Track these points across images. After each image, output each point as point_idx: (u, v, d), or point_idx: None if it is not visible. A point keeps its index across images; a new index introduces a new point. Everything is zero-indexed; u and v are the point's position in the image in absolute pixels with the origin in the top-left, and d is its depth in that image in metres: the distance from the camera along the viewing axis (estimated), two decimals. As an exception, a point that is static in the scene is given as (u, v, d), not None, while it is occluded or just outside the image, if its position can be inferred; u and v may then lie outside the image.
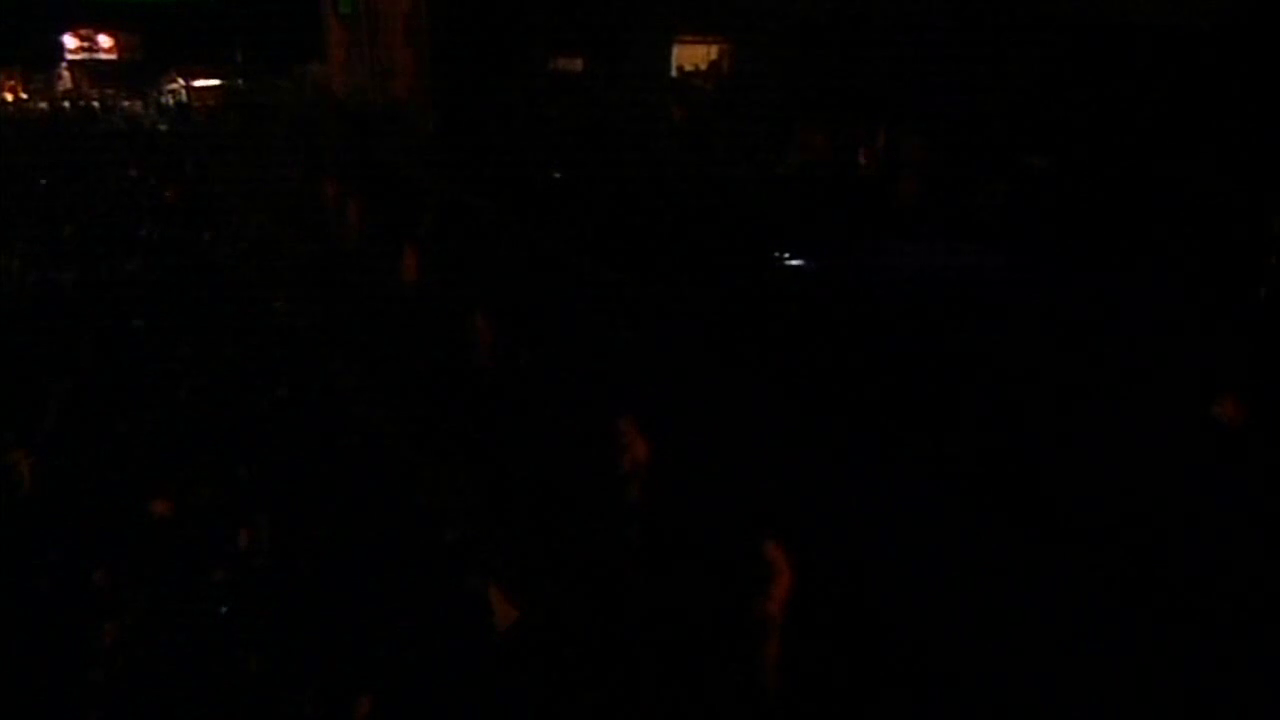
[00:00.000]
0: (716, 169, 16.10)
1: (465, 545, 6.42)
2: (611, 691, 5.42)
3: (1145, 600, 5.60)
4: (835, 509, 6.56)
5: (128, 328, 10.06)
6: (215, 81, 33.39)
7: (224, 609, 5.62)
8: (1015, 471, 6.90)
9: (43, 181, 18.26)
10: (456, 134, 20.06)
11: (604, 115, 19.62)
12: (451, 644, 5.39)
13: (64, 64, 35.25)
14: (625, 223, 13.54)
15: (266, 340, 10.00)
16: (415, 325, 10.61)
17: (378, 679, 5.02)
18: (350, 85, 27.33)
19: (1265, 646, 5.16)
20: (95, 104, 32.55)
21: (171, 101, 32.81)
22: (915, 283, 10.99)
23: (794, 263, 12.21)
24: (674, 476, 6.63)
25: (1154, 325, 9.20)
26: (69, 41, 35.04)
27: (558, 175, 17.27)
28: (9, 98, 33.51)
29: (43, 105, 32.95)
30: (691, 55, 22.92)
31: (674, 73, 22.62)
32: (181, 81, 33.59)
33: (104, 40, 35.32)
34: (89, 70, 35.37)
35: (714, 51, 22.57)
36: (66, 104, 33.00)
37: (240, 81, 32.78)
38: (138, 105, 31.96)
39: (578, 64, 22.38)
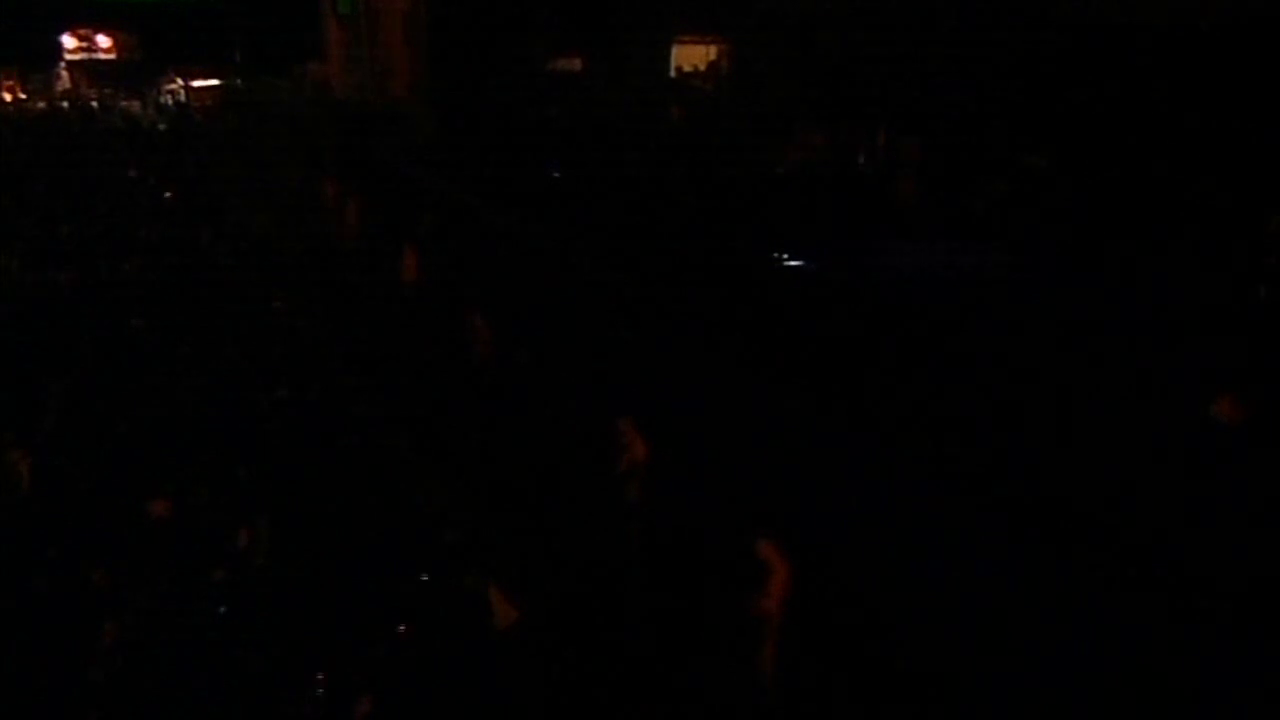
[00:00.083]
0: (715, 169, 16.10)
1: (465, 545, 6.43)
2: (611, 691, 5.42)
3: (1144, 600, 5.60)
4: (833, 509, 6.56)
5: (127, 327, 10.06)
6: (214, 81, 33.41)
7: (223, 609, 5.62)
8: (1014, 471, 6.90)
9: (41, 181, 18.26)
10: (455, 133, 20.06)
11: (603, 115, 19.62)
12: (451, 644, 5.39)
13: (62, 64, 35.27)
14: (624, 222, 13.54)
15: (266, 340, 10.00)
16: (415, 325, 10.61)
17: (377, 679, 5.03)
18: (349, 85, 27.33)
19: (1265, 647, 5.16)
20: (94, 104, 32.56)
21: (170, 101, 32.84)
22: (914, 283, 10.99)
23: (793, 263, 12.21)
24: (673, 476, 6.64)
25: (1153, 325, 9.20)
26: (67, 41, 35.06)
27: (556, 175, 17.28)
28: (7, 98, 33.53)
29: (41, 105, 32.96)
30: (691, 56, 22.93)
31: (673, 73, 22.64)
32: (180, 81, 33.62)
33: (102, 40, 35.35)
34: (87, 70, 35.39)
35: (713, 52, 22.59)
36: (65, 104, 33.00)
37: (239, 81, 32.79)
38: (136, 105, 31.95)
39: (576, 64, 22.40)
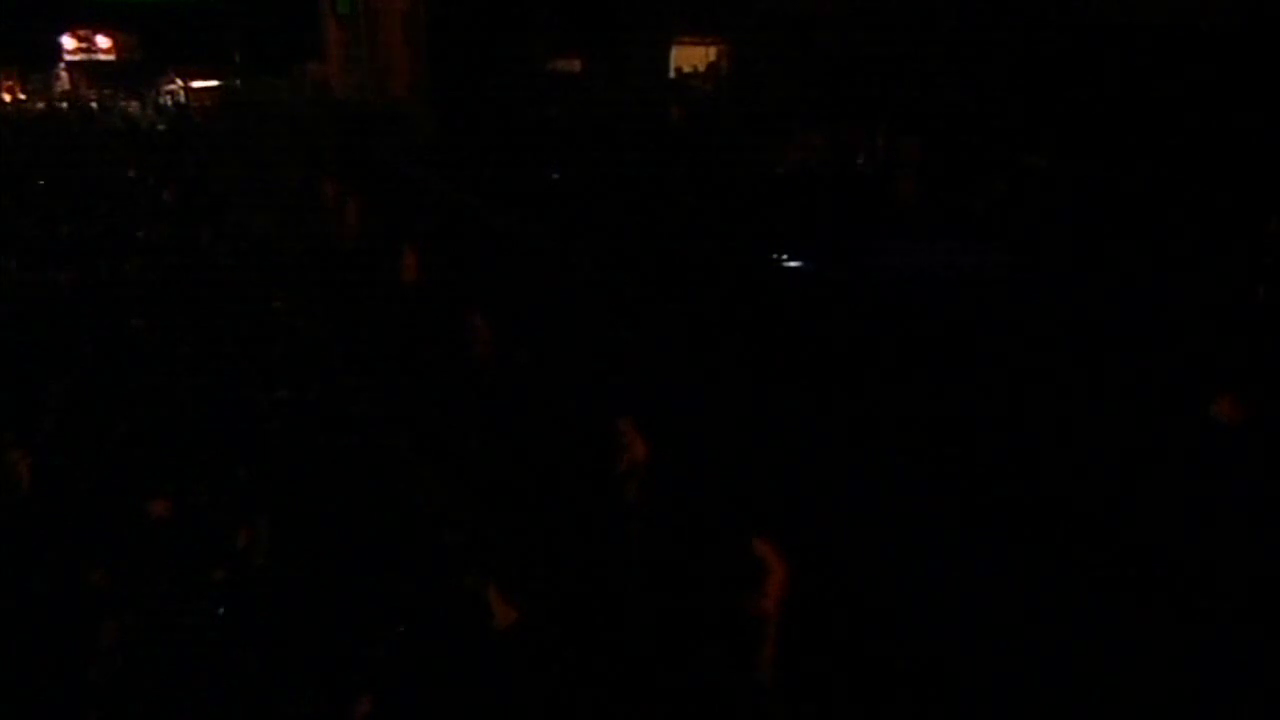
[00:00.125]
0: (715, 169, 16.10)
1: (464, 546, 6.43)
2: (611, 691, 5.42)
3: (1143, 600, 5.60)
4: (832, 509, 6.56)
5: (127, 328, 10.06)
6: (213, 82, 33.42)
7: (223, 609, 5.62)
8: (1013, 470, 6.90)
9: (40, 181, 18.26)
10: (455, 134, 20.06)
11: (602, 116, 19.63)
12: (450, 644, 5.39)
13: (62, 64, 35.28)
14: (624, 223, 13.54)
15: (266, 340, 10.00)
16: (414, 325, 10.60)
17: (377, 679, 5.02)
18: (349, 85, 27.34)
19: (1265, 647, 5.16)
20: (93, 104, 32.56)
21: (169, 102, 32.85)
22: (914, 283, 10.99)
23: (792, 263, 12.21)
24: (672, 476, 6.64)
25: (1153, 324, 9.21)
26: (67, 42, 35.08)
27: (556, 176, 17.28)
28: (7, 98, 33.55)
29: (40, 105, 32.97)
30: (690, 56, 22.96)
31: (672, 74, 22.65)
32: (179, 82, 33.63)
33: (102, 41, 35.36)
34: (87, 70, 35.41)
35: (712, 52, 22.61)
36: (64, 104, 33.01)
37: (238, 82, 32.80)
38: (135, 106, 31.95)
39: (576, 65, 22.41)
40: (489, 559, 6.15)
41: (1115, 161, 12.42)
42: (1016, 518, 6.42)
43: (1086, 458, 6.97)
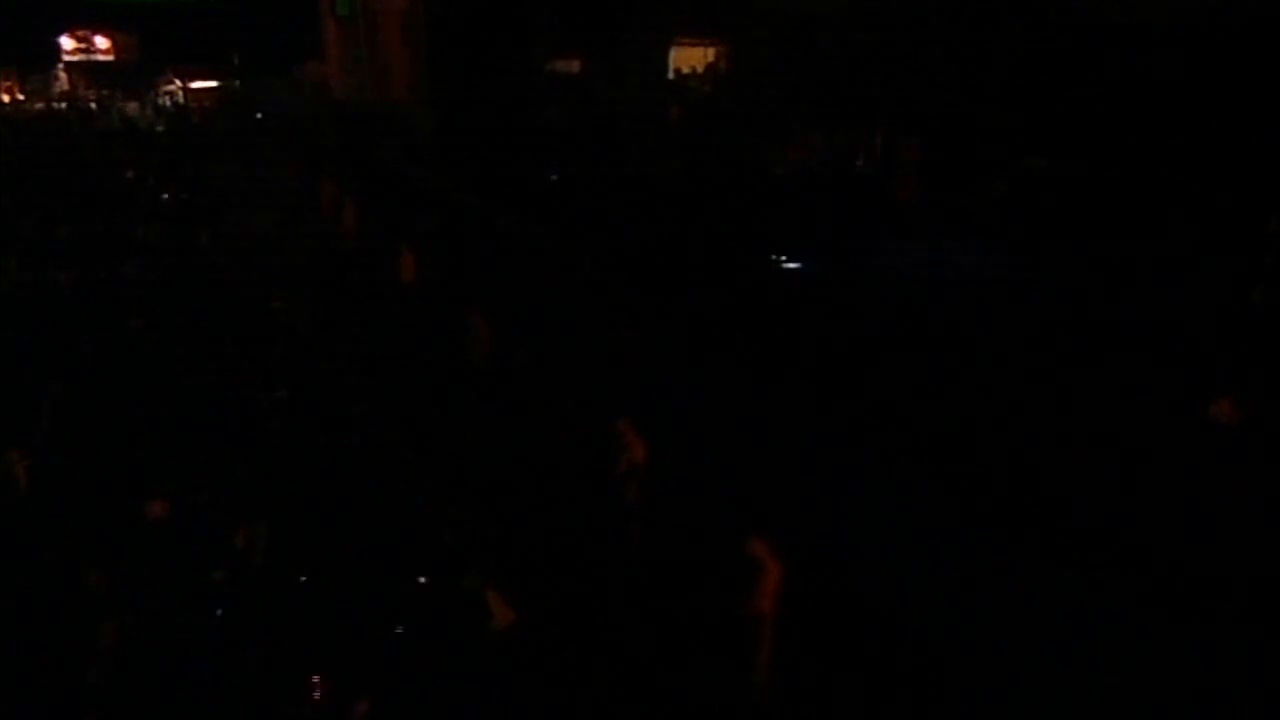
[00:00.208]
0: (713, 170, 16.11)
1: (463, 546, 6.42)
2: (610, 692, 5.42)
3: (1142, 599, 5.60)
4: (830, 508, 6.56)
5: (125, 328, 10.04)
6: (212, 83, 33.41)
7: (222, 609, 5.61)
8: (1013, 469, 6.90)
9: (39, 182, 18.24)
10: (454, 134, 20.05)
11: (601, 116, 19.63)
12: (449, 645, 5.38)
13: (61, 65, 35.23)
14: (623, 223, 13.54)
15: (264, 340, 9.99)
16: (413, 325, 10.60)
17: (376, 679, 5.02)
18: (348, 86, 27.34)
19: (1265, 647, 5.16)
20: (92, 105, 32.54)
21: (168, 102, 32.81)
22: (913, 283, 10.99)
23: (791, 265, 12.21)
24: (672, 476, 6.63)
25: (1152, 324, 9.21)
26: (66, 42, 35.03)
27: (555, 176, 17.28)
28: (5, 99, 33.51)
29: (39, 106, 32.94)
30: (689, 57, 22.97)
31: (671, 74, 22.66)
32: (178, 82, 33.60)
33: (101, 41, 35.32)
34: (86, 71, 35.37)
35: (711, 53, 22.62)
36: (63, 105, 32.98)
37: (237, 83, 32.78)
38: (134, 106, 31.92)
39: (575, 65, 22.42)
40: (489, 559, 6.15)
41: (1115, 162, 12.43)
42: (1015, 517, 6.43)
43: (1085, 457, 6.97)
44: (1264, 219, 10.26)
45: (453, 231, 14.03)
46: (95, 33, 35.04)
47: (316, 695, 4.94)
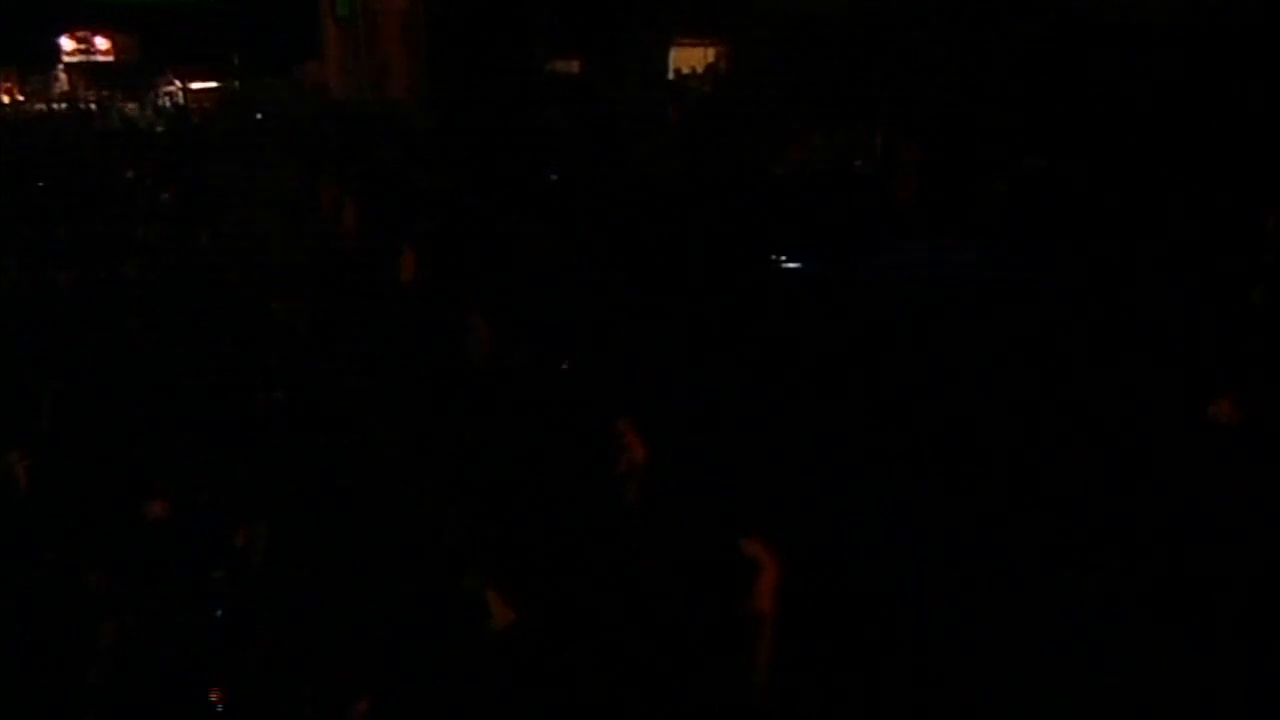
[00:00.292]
0: (713, 170, 16.10)
1: (463, 546, 6.42)
2: (610, 692, 5.41)
3: (1142, 599, 5.60)
4: (830, 508, 6.56)
5: (125, 328, 10.04)
6: (212, 84, 33.38)
7: (221, 610, 5.61)
8: (1012, 469, 6.90)
9: (39, 182, 18.24)
10: (453, 134, 20.05)
11: (601, 117, 19.62)
12: (449, 645, 5.38)
13: (60, 66, 35.19)
14: (622, 224, 13.54)
15: (264, 341, 9.99)
16: (413, 325, 10.59)
17: (377, 679, 5.01)
18: (348, 86, 27.33)
19: (1265, 647, 5.16)
20: (92, 105, 32.51)
21: (168, 103, 32.77)
22: (913, 283, 10.98)
23: (791, 265, 12.20)
24: (672, 476, 6.63)
25: (1150, 325, 9.21)
26: (65, 43, 34.98)
27: (554, 176, 17.27)
28: (5, 100, 33.46)
29: (39, 107, 32.91)
30: (688, 57, 22.94)
31: (671, 75, 22.65)
32: (178, 83, 33.57)
33: (100, 42, 35.26)
34: (85, 72, 35.31)
35: (710, 54, 22.60)
36: (63, 105, 32.95)
37: (237, 83, 32.76)
38: (134, 107, 31.89)
39: (575, 66, 22.41)
40: (489, 559, 6.15)
41: (1114, 162, 12.42)
42: (1015, 517, 6.42)
43: (1085, 457, 6.97)
44: (1263, 219, 10.26)
45: (453, 231, 14.01)
46: (95, 33, 35.00)
47: (316, 695, 4.94)
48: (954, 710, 5.18)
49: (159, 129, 27.93)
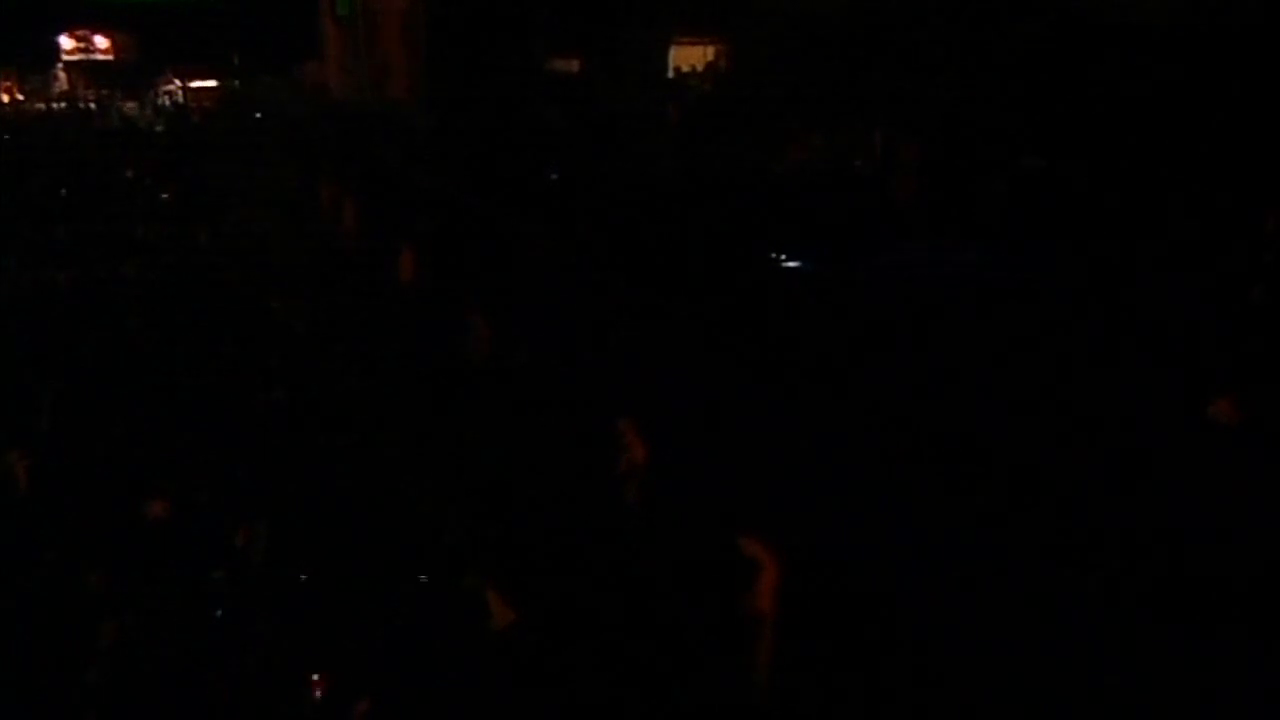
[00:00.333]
0: (713, 169, 16.10)
1: (463, 546, 6.41)
2: (610, 692, 5.41)
3: (1142, 599, 5.60)
4: (830, 508, 6.56)
5: (124, 328, 10.04)
6: (212, 83, 33.37)
7: (221, 610, 5.61)
8: (1011, 468, 6.90)
9: (38, 182, 18.23)
10: (453, 134, 20.05)
11: (601, 116, 19.62)
12: (449, 645, 5.38)
13: (60, 65, 35.17)
14: (622, 223, 13.54)
15: (263, 340, 9.99)
16: (413, 325, 10.59)
17: (376, 679, 5.01)
18: (347, 86, 27.33)
19: (1265, 647, 5.16)
20: (91, 105, 32.49)
21: (168, 102, 32.74)
22: (912, 283, 10.98)
23: (790, 264, 12.21)
24: (672, 476, 6.63)
25: (1150, 324, 9.21)
26: (65, 42, 34.97)
27: (554, 175, 17.27)
28: (4, 99, 33.43)
29: (39, 106, 32.89)
30: (688, 56, 22.96)
31: (671, 73, 22.65)
32: (178, 82, 33.54)
33: (100, 41, 35.25)
34: (85, 71, 35.29)
35: (710, 52, 22.62)
36: (63, 105, 32.93)
37: (237, 82, 32.75)
38: (134, 106, 31.86)
39: (574, 65, 22.41)
40: (489, 559, 6.14)
41: (1114, 162, 12.43)
42: (1014, 517, 6.43)
43: (1084, 457, 6.97)
44: (1263, 219, 10.25)
45: (452, 231, 14.01)
46: (94, 32, 34.98)
47: (316, 695, 4.94)
48: (954, 710, 5.18)
49: (158, 128, 27.91)
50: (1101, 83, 12.98)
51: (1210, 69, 11.84)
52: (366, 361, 9.76)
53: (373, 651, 5.24)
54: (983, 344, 8.96)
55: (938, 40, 14.93)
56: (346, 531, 6.26)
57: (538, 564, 6.38)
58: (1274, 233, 10.10)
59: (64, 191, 17.45)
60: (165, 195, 17.20)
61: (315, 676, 5.00)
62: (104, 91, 33.74)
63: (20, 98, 33.81)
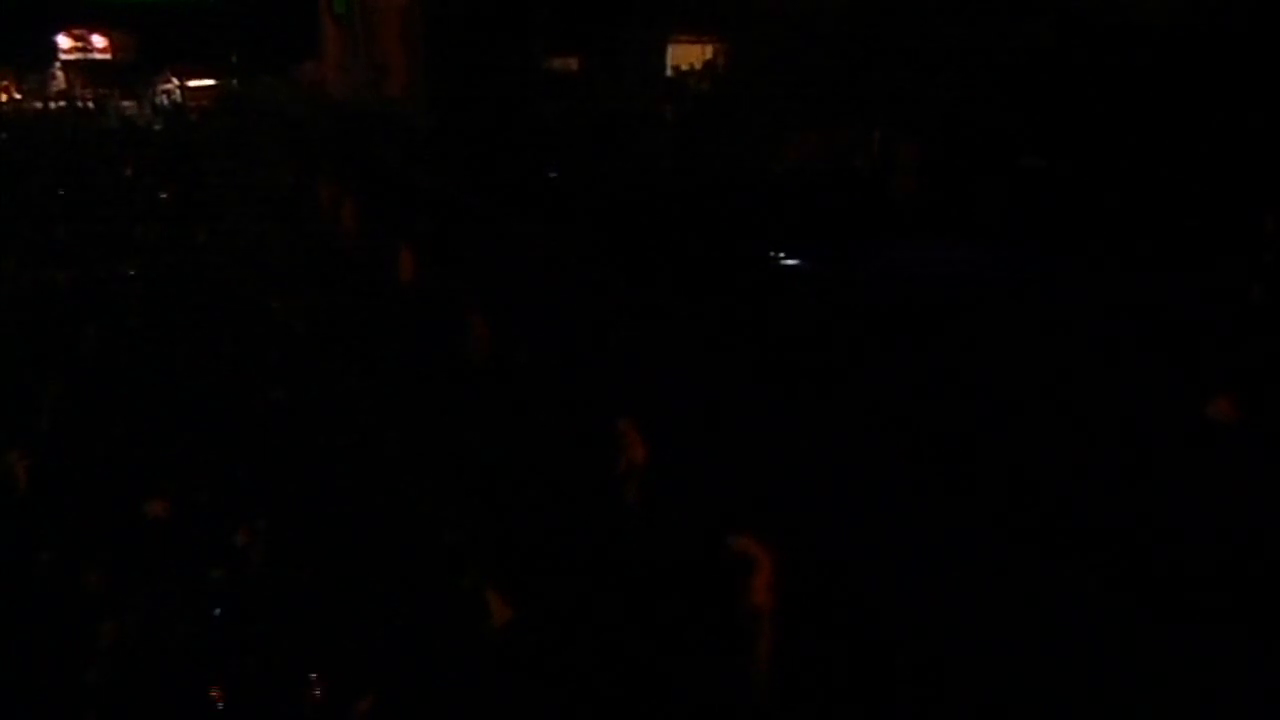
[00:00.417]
0: (712, 169, 16.10)
1: (463, 546, 6.41)
2: (609, 691, 5.41)
3: (1142, 599, 5.60)
4: (830, 506, 6.56)
5: (124, 328, 10.04)
6: (210, 81, 33.36)
7: (221, 610, 5.61)
8: (1011, 468, 6.91)
9: (38, 182, 18.21)
10: (452, 133, 20.04)
11: (599, 115, 19.62)
12: (449, 644, 5.38)
13: (58, 64, 35.16)
14: (621, 222, 13.54)
15: (262, 340, 9.98)
16: (413, 325, 10.58)
17: (376, 680, 5.01)
18: (346, 85, 27.31)
19: (1265, 647, 5.16)
20: (90, 104, 32.46)
21: (166, 101, 32.72)
22: (911, 282, 11.00)
23: (789, 262, 12.22)
24: (672, 476, 6.63)
25: (1150, 324, 9.22)
26: (63, 41, 34.98)
27: (554, 175, 17.27)
28: (3, 98, 33.41)
29: (37, 105, 32.86)
30: (686, 55, 22.95)
31: (669, 72, 22.65)
32: (176, 81, 33.52)
33: (98, 40, 35.27)
34: (83, 70, 35.29)
35: (708, 51, 22.61)
36: (61, 104, 32.91)
37: (235, 82, 32.74)
38: (132, 105, 31.84)
39: (573, 64, 22.41)
40: (489, 559, 6.14)
41: (1114, 162, 12.44)
42: (1014, 516, 6.43)
43: (1084, 456, 6.97)
44: (1263, 219, 10.26)
45: (452, 231, 14.01)
46: (92, 32, 35.00)
47: (316, 695, 4.94)
48: (954, 710, 5.18)
49: (157, 128, 27.89)
50: (1101, 83, 12.99)
51: (1210, 69, 11.85)
52: (366, 361, 9.75)
53: (373, 651, 5.24)
54: (982, 343, 8.97)
55: (938, 40, 14.92)
56: (346, 531, 6.26)
57: (537, 564, 6.38)
58: (1274, 233, 10.11)
59: (63, 191, 17.43)
60: (164, 194, 17.17)
61: (315, 676, 4.99)
62: (102, 91, 33.72)
63: (18, 97, 33.79)
